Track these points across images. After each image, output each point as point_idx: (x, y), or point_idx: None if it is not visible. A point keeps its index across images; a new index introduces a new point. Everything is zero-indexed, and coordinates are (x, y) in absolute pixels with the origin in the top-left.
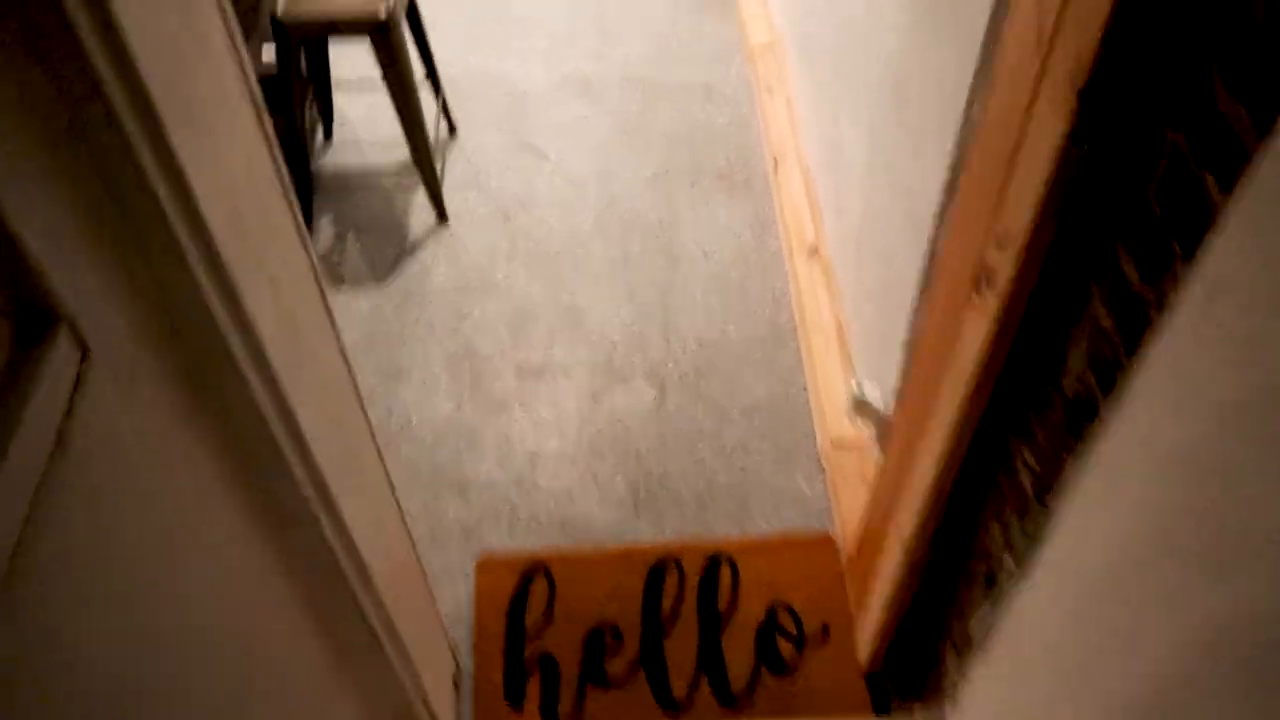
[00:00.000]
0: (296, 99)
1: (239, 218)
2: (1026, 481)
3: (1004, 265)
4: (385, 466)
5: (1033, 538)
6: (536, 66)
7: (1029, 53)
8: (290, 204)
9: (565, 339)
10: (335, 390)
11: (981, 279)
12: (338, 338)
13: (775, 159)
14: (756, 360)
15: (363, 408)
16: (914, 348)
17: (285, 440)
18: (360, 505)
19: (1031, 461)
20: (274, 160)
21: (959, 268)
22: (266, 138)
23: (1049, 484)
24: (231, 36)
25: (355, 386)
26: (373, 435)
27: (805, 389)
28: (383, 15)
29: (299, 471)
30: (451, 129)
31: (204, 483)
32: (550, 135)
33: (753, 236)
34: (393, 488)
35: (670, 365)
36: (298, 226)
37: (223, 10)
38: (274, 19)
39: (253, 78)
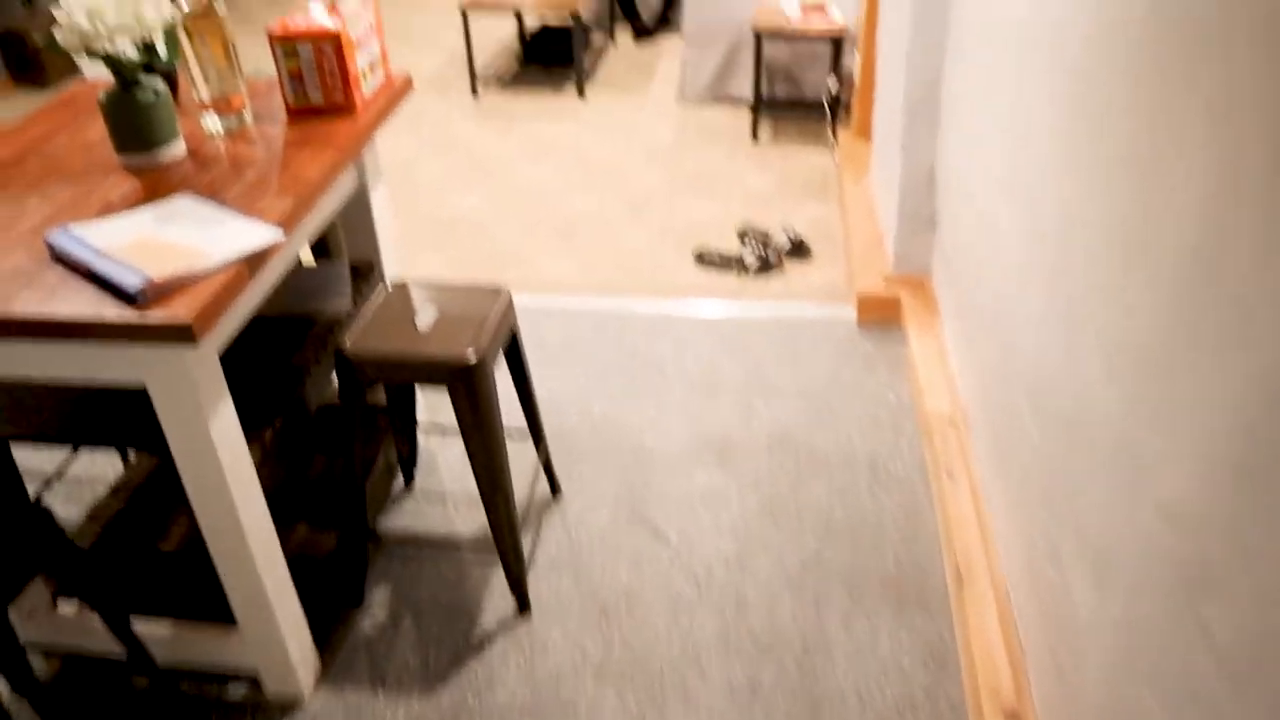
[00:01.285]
0: (357, 440)
1: None
2: None
3: None
4: None
5: None
6: (669, 420)
7: None
8: None
9: None
10: None
11: None
12: None
13: (960, 572)
14: None
15: None
16: None
17: None
18: None
19: None
20: None
21: None
22: None
23: None
24: None
25: None
26: None
27: None
28: (470, 361)
29: None
30: (554, 489)
31: None
32: (674, 509)
33: (926, 678)
34: None
35: None
36: None
37: None
38: (338, 351)
39: None
